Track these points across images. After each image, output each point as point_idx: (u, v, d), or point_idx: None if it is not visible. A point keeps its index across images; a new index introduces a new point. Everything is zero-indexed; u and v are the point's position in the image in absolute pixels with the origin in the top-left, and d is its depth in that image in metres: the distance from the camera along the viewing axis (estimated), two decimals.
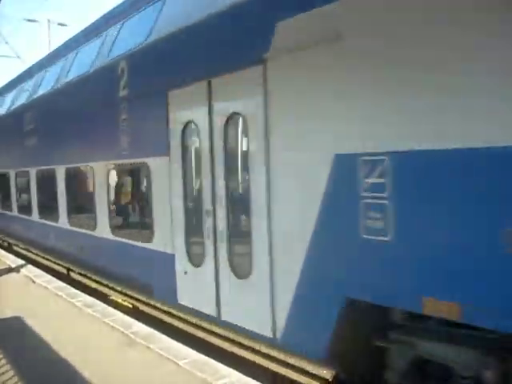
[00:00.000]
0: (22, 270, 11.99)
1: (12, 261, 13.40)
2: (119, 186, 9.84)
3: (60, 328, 7.52)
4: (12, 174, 15.87)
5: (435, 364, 4.67)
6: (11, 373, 5.74)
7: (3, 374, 5.72)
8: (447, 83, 3.79)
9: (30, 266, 12.65)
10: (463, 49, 3.70)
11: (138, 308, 10.11)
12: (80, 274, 12.55)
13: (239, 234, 6.35)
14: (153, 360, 6.13)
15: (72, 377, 5.74)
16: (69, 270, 12.79)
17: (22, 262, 13.39)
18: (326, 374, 6.61)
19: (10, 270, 12.25)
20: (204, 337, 8.33)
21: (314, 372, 6.70)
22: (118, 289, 11.00)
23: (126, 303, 10.40)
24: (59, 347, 6.64)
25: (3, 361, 6.13)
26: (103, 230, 9.59)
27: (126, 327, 7.36)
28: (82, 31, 12.04)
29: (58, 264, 13.56)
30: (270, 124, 5.46)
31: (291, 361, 7.03)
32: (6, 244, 18.37)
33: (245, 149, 6.11)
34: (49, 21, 25.80)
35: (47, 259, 14.38)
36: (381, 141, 4.30)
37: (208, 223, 6.56)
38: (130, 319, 7.87)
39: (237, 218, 6.55)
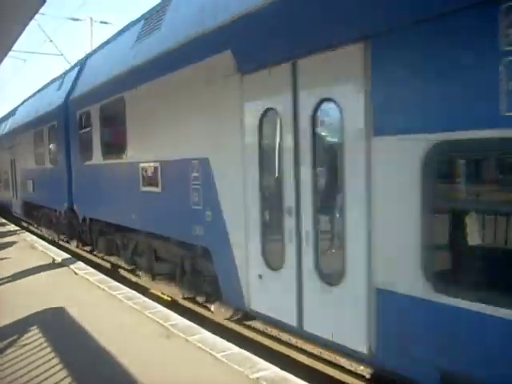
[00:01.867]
0: (65, 263, 12.30)
1: (56, 253, 13.76)
2: None
3: (100, 318, 7.70)
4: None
5: None
6: (55, 360, 5.93)
7: (48, 361, 5.91)
8: None
9: (73, 259, 12.96)
10: None
11: (176, 301, 10.27)
12: (122, 268, 12.85)
13: None
14: (191, 352, 6.22)
15: (111, 364, 5.89)
16: (113, 264, 13.05)
17: (66, 254, 13.73)
18: (364, 370, 6.59)
19: (53, 261, 12.59)
20: (240, 330, 8.43)
21: (351, 369, 6.71)
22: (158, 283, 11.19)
23: (165, 297, 10.58)
24: (99, 336, 6.81)
25: (48, 349, 6.33)
26: None
27: (165, 319, 7.48)
28: None
29: (102, 258, 13.86)
30: None
31: (327, 356, 7.05)
32: None
33: None
34: (91, 19, 26.34)
35: (90, 253, 14.71)
36: None
37: None
38: (169, 312, 7.99)
39: None
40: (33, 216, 21.14)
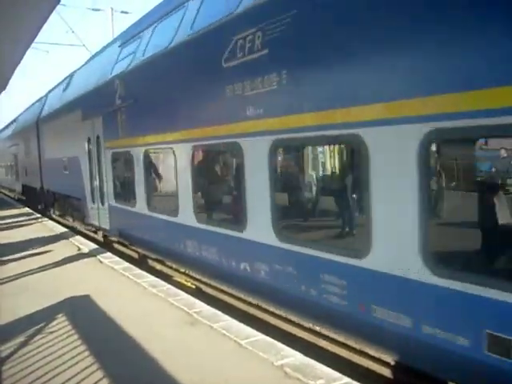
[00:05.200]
0: (91, 252, 12.46)
1: (81, 243, 13.93)
2: None
3: (125, 306, 7.79)
4: None
5: None
6: (82, 347, 6.02)
7: (75, 348, 6.01)
8: None
9: (98, 248, 13.11)
10: None
11: (200, 289, 10.33)
12: (145, 256, 12.96)
13: None
14: (215, 338, 6.26)
15: (136, 351, 5.97)
16: (139, 253, 13.18)
17: (91, 244, 13.90)
18: (388, 358, 6.54)
19: (78, 251, 12.77)
20: (264, 317, 8.45)
21: (375, 355, 6.67)
22: (182, 270, 11.28)
23: (189, 284, 10.65)
24: (124, 323, 6.90)
25: (75, 336, 6.44)
26: None
27: (190, 307, 7.53)
28: None
29: (128, 248, 14.01)
30: None
31: (352, 344, 7.01)
32: None
33: None
34: (112, 9, 26.47)
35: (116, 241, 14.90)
36: None
37: None
38: (193, 299, 8.04)
39: None
40: None
